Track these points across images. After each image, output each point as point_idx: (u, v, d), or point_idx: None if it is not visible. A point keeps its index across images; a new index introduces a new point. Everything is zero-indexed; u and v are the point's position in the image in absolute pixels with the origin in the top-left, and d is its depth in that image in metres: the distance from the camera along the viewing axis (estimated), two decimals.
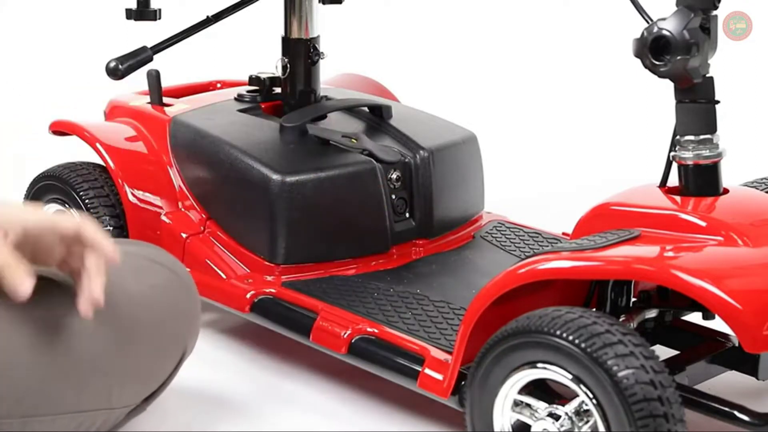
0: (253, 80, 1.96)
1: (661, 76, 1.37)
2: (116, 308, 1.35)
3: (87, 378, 1.32)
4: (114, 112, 1.98)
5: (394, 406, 1.61)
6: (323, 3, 1.91)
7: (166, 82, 1.96)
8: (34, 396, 1.28)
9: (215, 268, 1.73)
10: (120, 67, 1.81)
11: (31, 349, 1.28)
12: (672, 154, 1.41)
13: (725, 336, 1.48)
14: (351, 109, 1.93)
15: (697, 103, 1.39)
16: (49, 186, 1.90)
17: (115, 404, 1.36)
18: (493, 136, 2.26)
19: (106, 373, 1.34)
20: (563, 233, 1.82)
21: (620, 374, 1.20)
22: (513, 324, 1.30)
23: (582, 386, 1.24)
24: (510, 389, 1.32)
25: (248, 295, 1.68)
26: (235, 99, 1.95)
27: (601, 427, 1.24)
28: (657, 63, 1.36)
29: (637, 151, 2.61)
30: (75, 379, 1.31)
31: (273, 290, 1.67)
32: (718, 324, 1.36)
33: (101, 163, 1.87)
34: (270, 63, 1.92)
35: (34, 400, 1.27)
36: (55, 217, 1.31)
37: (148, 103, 1.94)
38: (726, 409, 1.31)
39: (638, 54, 1.38)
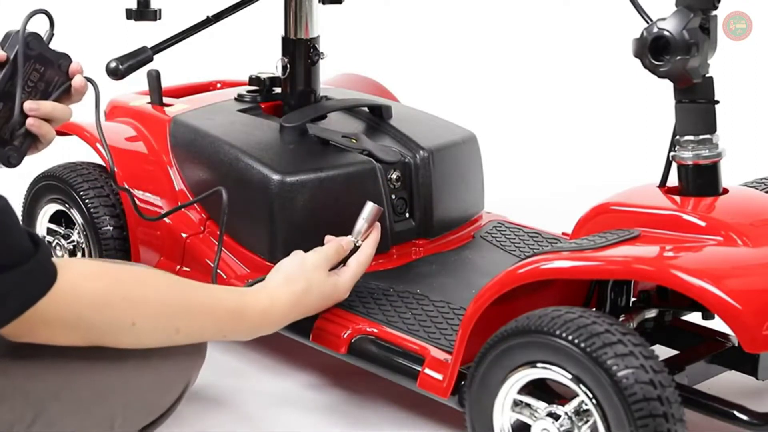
0: (253, 80, 1.96)
1: (661, 76, 1.37)
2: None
3: (92, 407, 1.35)
4: (114, 112, 1.98)
5: (394, 406, 1.61)
6: (323, 3, 1.91)
7: (166, 82, 1.96)
8: (41, 422, 1.31)
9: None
10: (120, 67, 1.81)
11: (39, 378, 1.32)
12: (672, 154, 1.41)
13: (725, 336, 1.48)
14: (351, 109, 1.93)
15: (696, 103, 1.39)
16: (49, 186, 1.90)
17: (117, 429, 1.38)
18: (493, 136, 2.26)
19: (111, 403, 1.36)
20: (563, 233, 1.82)
21: (620, 374, 1.20)
22: (513, 324, 1.30)
23: (582, 386, 1.24)
24: (510, 389, 1.32)
25: None
26: (235, 99, 1.95)
27: (600, 426, 1.24)
28: (657, 63, 1.36)
29: (637, 151, 2.61)
30: (79, 406, 1.33)
31: None
32: (717, 324, 1.36)
33: (101, 163, 1.87)
34: (270, 63, 1.92)
35: (41, 425, 1.30)
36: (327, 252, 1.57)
37: (148, 103, 1.94)
38: (726, 408, 1.31)
39: (638, 54, 1.38)
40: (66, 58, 1.51)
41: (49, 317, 1.26)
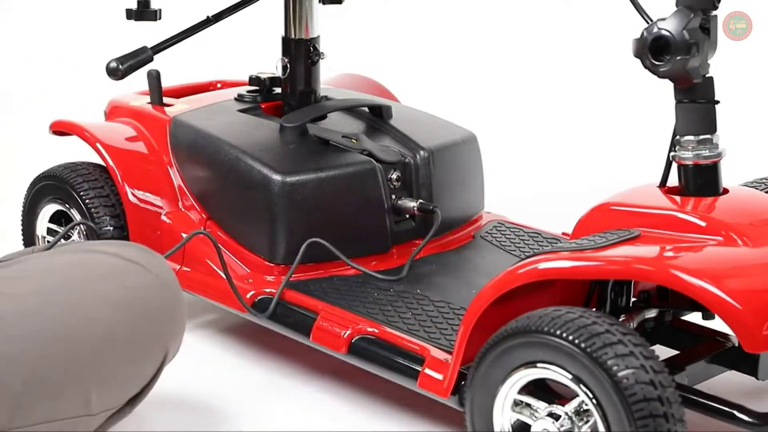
0: (253, 80, 1.96)
1: (661, 76, 1.37)
2: (89, 312, 1.34)
3: (61, 386, 1.30)
4: (114, 112, 1.98)
5: (394, 406, 1.61)
6: (323, 3, 1.91)
7: (166, 82, 1.96)
8: (6, 409, 1.26)
9: (215, 268, 1.73)
10: (120, 67, 1.81)
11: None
12: (672, 154, 1.41)
13: (725, 336, 1.48)
14: (351, 109, 1.93)
15: (696, 103, 1.39)
16: (49, 186, 1.90)
17: (95, 409, 1.34)
18: (493, 136, 2.26)
19: (81, 379, 1.32)
20: (563, 233, 1.82)
21: (620, 374, 1.20)
22: (513, 324, 1.30)
23: (582, 386, 1.24)
24: (510, 389, 1.32)
25: (248, 295, 1.68)
26: (235, 99, 1.95)
27: (601, 427, 1.24)
28: (657, 63, 1.36)
29: (637, 151, 2.61)
30: (49, 388, 1.29)
31: (273, 290, 1.67)
32: (718, 324, 1.36)
33: (101, 163, 1.87)
34: (270, 63, 1.92)
35: (6, 414, 1.26)
36: None
37: (149, 103, 1.94)
38: (726, 409, 1.31)
39: (638, 54, 1.38)
40: None
41: None
